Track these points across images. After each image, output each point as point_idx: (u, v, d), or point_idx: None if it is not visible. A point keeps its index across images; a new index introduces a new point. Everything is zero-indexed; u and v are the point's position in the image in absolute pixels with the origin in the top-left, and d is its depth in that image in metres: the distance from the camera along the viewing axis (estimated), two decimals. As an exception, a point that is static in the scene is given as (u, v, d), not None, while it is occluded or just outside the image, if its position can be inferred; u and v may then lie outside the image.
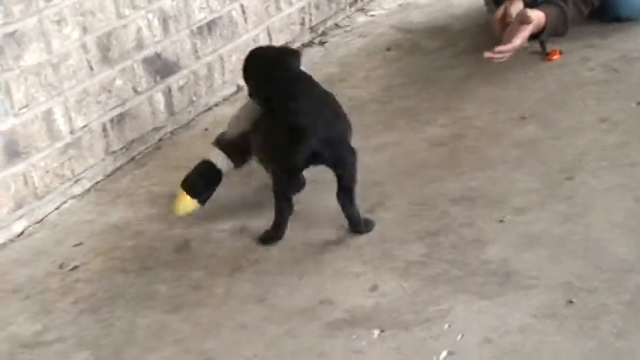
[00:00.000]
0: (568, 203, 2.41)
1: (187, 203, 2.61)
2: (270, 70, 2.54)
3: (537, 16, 3.11)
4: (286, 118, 2.38)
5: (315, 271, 2.32)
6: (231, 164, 2.63)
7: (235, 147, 2.62)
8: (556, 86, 3.09)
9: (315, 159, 2.38)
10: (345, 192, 2.42)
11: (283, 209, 2.46)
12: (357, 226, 2.45)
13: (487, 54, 3.04)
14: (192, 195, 2.61)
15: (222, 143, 2.65)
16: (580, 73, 3.16)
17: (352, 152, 2.44)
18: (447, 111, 3.06)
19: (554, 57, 3.30)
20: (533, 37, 3.15)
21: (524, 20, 3.09)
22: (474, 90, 3.20)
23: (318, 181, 2.59)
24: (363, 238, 2.42)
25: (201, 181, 2.62)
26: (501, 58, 3.08)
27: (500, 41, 3.09)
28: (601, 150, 2.65)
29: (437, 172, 2.69)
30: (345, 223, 2.45)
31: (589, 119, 2.84)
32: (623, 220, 2.29)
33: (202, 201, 2.62)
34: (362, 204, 2.48)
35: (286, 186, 2.46)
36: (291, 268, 2.35)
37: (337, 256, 2.37)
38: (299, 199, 2.55)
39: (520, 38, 3.08)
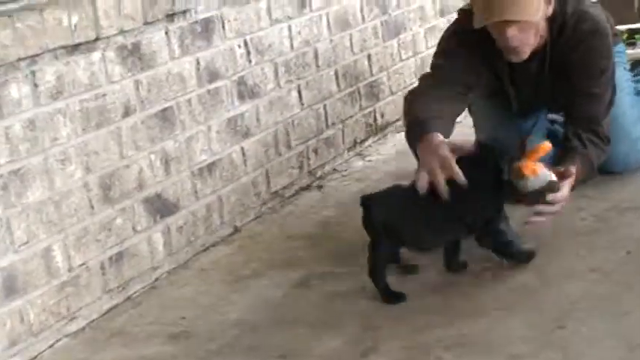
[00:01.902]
0: (562, 352, 2.42)
1: None
2: None
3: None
4: None
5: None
6: None
7: None
8: (549, 234, 3.13)
9: None
10: None
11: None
12: None
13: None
14: None
15: None
16: (573, 222, 3.21)
17: None
18: (442, 257, 3.10)
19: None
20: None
21: (567, 174, 3.00)
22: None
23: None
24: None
25: None
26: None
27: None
28: (592, 299, 2.68)
29: (431, 318, 2.70)
30: None
31: (581, 268, 2.88)
32: (616, 370, 2.30)
33: None
34: (356, 348, 2.49)
35: None
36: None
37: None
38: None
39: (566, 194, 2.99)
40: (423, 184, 2.86)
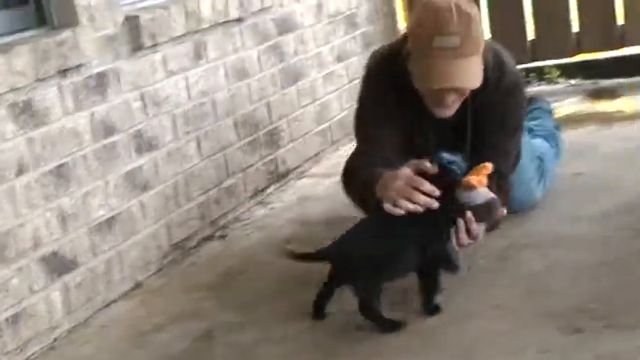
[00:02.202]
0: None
1: None
2: None
3: None
4: None
5: None
6: None
7: None
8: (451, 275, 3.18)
9: None
10: None
11: None
12: None
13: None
14: None
15: None
16: (474, 260, 3.25)
17: None
18: (346, 300, 3.10)
19: None
20: None
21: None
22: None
23: None
24: None
25: None
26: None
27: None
28: (492, 335, 2.72)
29: (340, 361, 2.71)
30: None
31: (482, 306, 2.92)
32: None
33: None
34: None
35: None
36: None
37: None
38: None
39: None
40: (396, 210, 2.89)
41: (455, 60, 3.11)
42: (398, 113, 3.30)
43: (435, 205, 2.89)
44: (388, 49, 3.45)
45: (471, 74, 3.17)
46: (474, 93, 3.25)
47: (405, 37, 3.31)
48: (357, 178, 3.27)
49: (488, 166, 2.98)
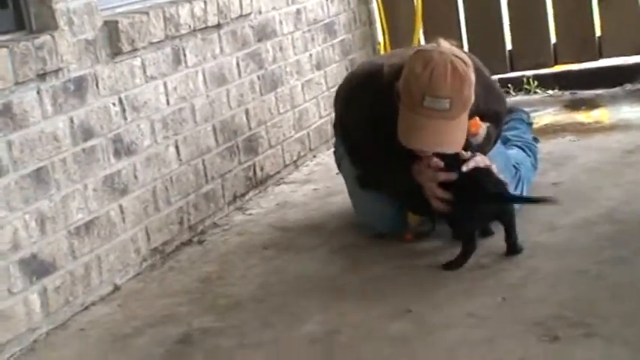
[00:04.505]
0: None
1: None
2: None
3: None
4: None
5: None
6: None
7: None
8: (428, 282, 3.19)
9: None
10: None
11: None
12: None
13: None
14: None
15: None
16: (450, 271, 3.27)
17: None
18: (324, 308, 3.12)
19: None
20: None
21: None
22: (349, 287, 3.27)
23: None
24: None
25: None
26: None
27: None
28: (469, 345, 2.73)
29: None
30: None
31: (459, 314, 2.93)
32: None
33: None
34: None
35: None
36: None
37: None
38: None
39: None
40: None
41: (441, 121, 3.20)
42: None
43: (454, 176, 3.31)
44: (377, 78, 3.47)
45: (452, 139, 3.25)
46: None
47: (398, 71, 3.33)
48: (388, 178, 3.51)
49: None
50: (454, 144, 3.27)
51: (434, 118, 3.19)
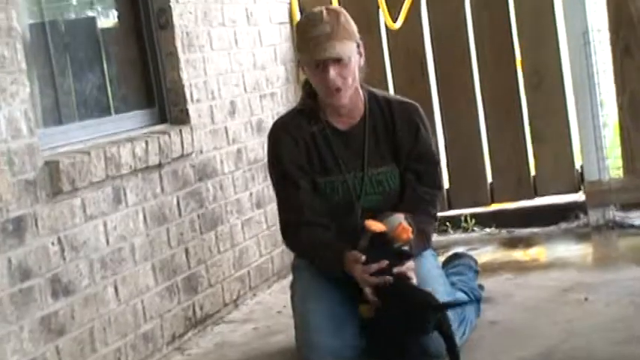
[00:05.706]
0: None
1: None
2: None
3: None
4: None
5: None
6: None
7: None
8: None
9: None
10: None
11: None
12: None
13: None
14: None
15: None
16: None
17: None
18: None
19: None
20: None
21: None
22: None
23: None
24: None
25: None
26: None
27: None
28: None
29: None
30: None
31: None
32: None
33: None
34: None
35: None
36: None
37: None
38: None
39: None
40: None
41: (329, 41, 3.62)
42: (305, 157, 3.78)
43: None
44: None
45: (345, 49, 3.64)
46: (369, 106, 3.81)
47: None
48: (312, 245, 3.75)
49: (400, 217, 3.55)
50: (346, 52, 3.64)
51: (321, 41, 3.62)
